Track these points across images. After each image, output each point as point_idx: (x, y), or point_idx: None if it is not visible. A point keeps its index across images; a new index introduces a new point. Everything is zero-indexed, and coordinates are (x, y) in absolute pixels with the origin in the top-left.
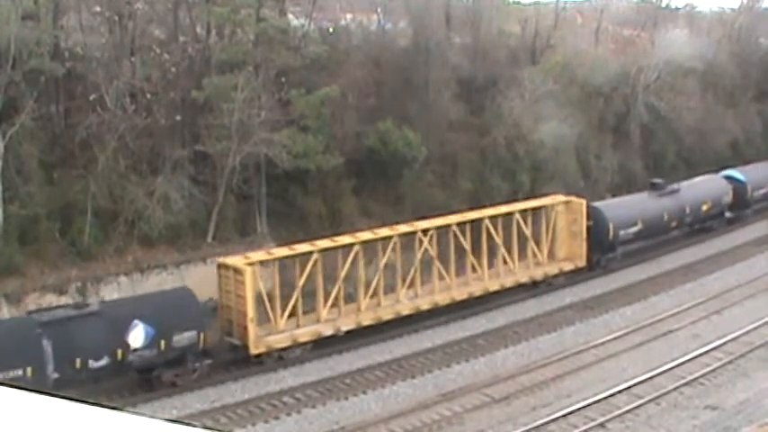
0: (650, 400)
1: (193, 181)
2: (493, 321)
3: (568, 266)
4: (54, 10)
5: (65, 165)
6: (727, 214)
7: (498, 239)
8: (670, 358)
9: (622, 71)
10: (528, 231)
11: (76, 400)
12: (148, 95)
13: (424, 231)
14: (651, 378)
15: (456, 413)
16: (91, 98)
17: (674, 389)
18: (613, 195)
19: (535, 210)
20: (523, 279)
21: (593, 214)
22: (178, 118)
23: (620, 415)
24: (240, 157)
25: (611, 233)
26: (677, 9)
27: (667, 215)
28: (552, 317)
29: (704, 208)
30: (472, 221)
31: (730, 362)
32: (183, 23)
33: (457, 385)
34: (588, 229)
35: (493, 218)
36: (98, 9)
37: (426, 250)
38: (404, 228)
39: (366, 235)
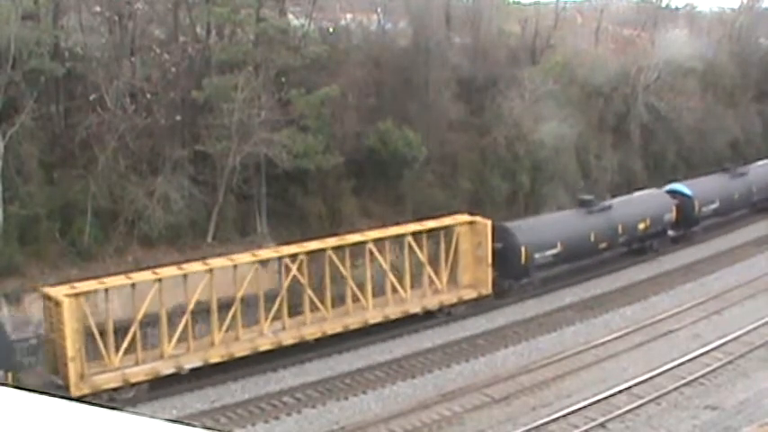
0: (650, 400)
1: (193, 181)
2: (493, 321)
3: (470, 294)
4: (54, 10)
5: (65, 165)
6: (671, 233)
7: (386, 265)
8: (670, 358)
9: (622, 71)
10: (423, 255)
11: (77, 400)
12: (148, 95)
13: (292, 257)
14: (651, 378)
15: (456, 413)
16: (91, 98)
17: (675, 389)
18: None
19: (432, 231)
20: (415, 309)
21: (501, 236)
22: (178, 118)
23: (620, 415)
24: (240, 157)
25: (524, 257)
26: (677, 9)
27: (595, 235)
28: (552, 317)
29: (641, 226)
30: (353, 244)
31: (730, 362)
32: (183, 23)
33: (457, 385)
34: (495, 252)
35: (379, 240)
36: (98, 9)
37: (295, 278)
38: (265, 253)
39: (219, 262)
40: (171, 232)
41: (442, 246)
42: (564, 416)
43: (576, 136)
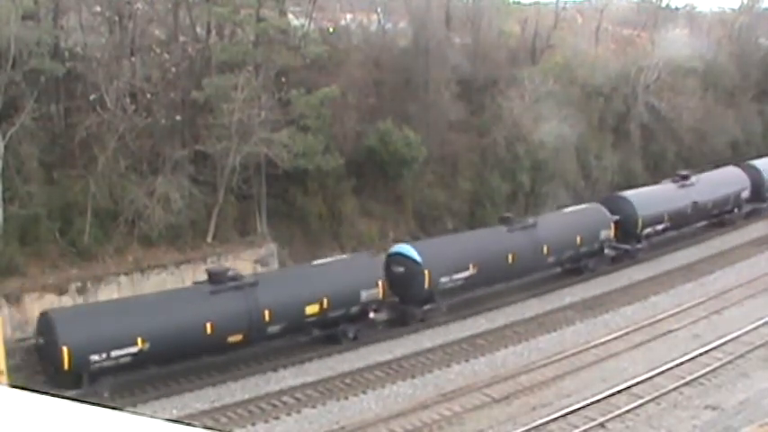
0: (650, 400)
1: (193, 181)
2: (493, 321)
3: None
4: (54, 10)
5: (65, 165)
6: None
7: None
8: (670, 358)
9: (622, 71)
10: None
11: (76, 400)
12: (148, 95)
13: None
14: (651, 378)
15: (456, 413)
16: (91, 98)
17: (674, 389)
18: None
19: None
20: None
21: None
22: (178, 118)
23: (620, 415)
24: (240, 157)
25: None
26: (677, 9)
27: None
28: (552, 317)
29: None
30: None
31: (730, 362)
32: (183, 23)
33: (457, 385)
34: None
35: None
36: (98, 9)
37: None
38: None
39: None
40: (171, 232)
41: None
42: (564, 416)
43: (576, 136)
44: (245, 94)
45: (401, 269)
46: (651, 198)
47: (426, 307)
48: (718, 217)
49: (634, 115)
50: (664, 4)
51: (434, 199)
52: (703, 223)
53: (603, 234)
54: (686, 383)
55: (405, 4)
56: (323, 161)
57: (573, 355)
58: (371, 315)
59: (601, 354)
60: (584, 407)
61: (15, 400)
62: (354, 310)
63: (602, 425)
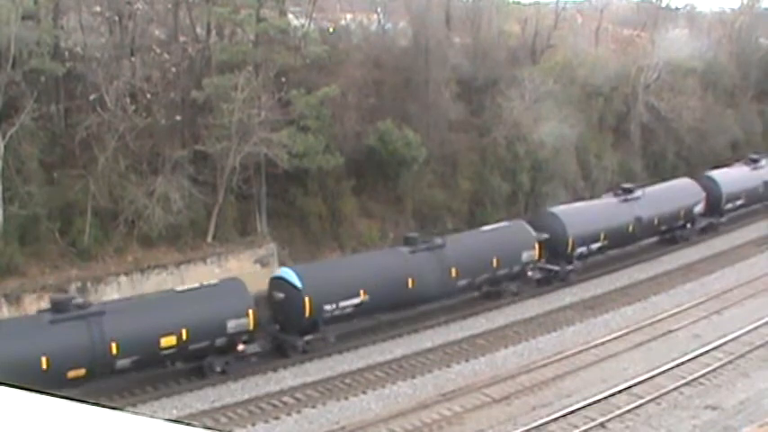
0: (650, 400)
1: (193, 181)
2: (493, 321)
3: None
4: (54, 10)
5: (65, 165)
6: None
7: None
8: (670, 358)
9: (622, 71)
10: None
11: (76, 400)
12: (148, 95)
13: None
14: (651, 378)
15: (456, 413)
16: (91, 98)
17: (674, 389)
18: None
19: None
20: None
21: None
22: (178, 118)
23: (620, 415)
24: (240, 157)
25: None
26: (677, 9)
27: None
28: (552, 317)
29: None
30: None
31: (730, 362)
32: (183, 23)
33: (457, 385)
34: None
35: None
36: (98, 9)
37: None
38: None
39: None
40: (171, 232)
41: None
42: (564, 416)
43: (576, 136)
44: (245, 94)
45: (281, 295)
46: (586, 214)
47: (308, 337)
48: (668, 233)
49: (634, 115)
50: (664, 4)
51: (434, 199)
52: (652, 240)
53: (526, 255)
54: (686, 383)
55: (405, 4)
56: (323, 161)
57: (573, 355)
58: (240, 347)
59: (601, 354)
60: (584, 407)
61: (15, 400)
62: (220, 341)
63: (602, 425)
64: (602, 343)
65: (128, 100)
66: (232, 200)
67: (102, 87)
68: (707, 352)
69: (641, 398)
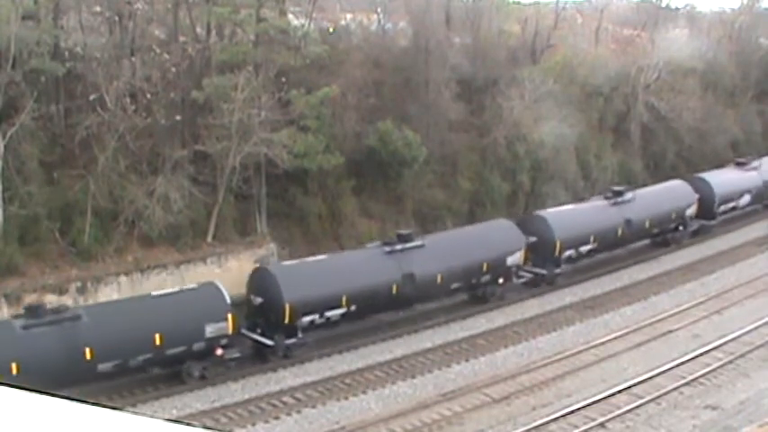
0: (650, 400)
1: (193, 181)
2: (493, 321)
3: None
4: (54, 10)
5: (65, 165)
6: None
7: None
8: (670, 358)
9: (622, 71)
10: None
11: (76, 400)
12: (148, 95)
13: None
14: (651, 378)
15: (456, 413)
16: (91, 98)
17: (674, 389)
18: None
19: None
20: None
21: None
22: (178, 118)
23: (620, 415)
24: (240, 157)
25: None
26: (677, 9)
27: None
28: (552, 317)
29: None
30: None
31: (730, 362)
32: (183, 23)
33: (457, 385)
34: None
35: None
36: (98, 9)
37: None
38: None
39: None
40: (171, 232)
41: None
42: (564, 416)
43: (576, 136)
44: (245, 94)
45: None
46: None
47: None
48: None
49: (634, 115)
50: (664, 4)
51: (434, 199)
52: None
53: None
54: (686, 383)
55: (405, 4)
56: (323, 161)
57: (573, 355)
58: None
59: (601, 354)
60: (584, 407)
61: (15, 400)
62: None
63: (602, 425)
64: (602, 343)
65: (128, 100)
66: (232, 200)
67: (102, 87)
68: (707, 352)
69: (641, 398)
